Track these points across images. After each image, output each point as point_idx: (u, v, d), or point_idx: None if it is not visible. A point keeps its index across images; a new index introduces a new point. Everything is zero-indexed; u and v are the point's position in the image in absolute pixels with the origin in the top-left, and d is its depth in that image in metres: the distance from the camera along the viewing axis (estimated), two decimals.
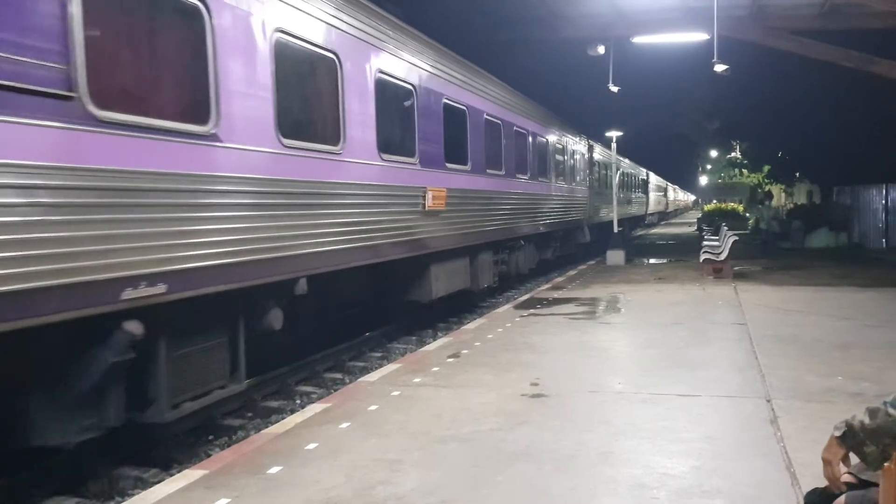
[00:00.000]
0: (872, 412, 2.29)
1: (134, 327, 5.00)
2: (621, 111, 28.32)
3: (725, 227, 23.41)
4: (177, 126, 5.36)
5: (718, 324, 10.25)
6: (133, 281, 4.86)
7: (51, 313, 4.33)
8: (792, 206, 35.28)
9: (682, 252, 23.89)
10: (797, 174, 36.89)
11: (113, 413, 5.16)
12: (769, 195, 39.77)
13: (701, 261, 16.70)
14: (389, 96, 9.11)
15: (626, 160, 34.69)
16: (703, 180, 77.74)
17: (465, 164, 11.79)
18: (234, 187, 5.99)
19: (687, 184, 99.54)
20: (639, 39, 18.06)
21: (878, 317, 10.35)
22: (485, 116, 12.87)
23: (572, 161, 20.88)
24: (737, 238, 17.13)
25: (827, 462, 2.40)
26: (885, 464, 2.27)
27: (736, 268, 16.30)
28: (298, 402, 7.80)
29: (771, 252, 19.76)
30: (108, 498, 5.38)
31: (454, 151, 11.22)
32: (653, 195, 52.14)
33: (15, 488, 5.18)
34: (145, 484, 5.41)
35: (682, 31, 17.26)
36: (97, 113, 4.63)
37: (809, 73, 21.86)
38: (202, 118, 5.69)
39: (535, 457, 4.94)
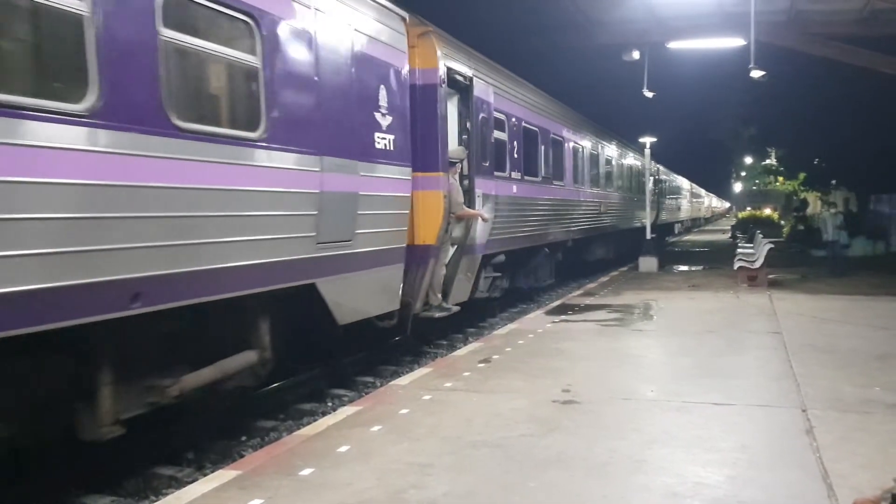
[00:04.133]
0: None
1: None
2: (656, 117, 28.21)
3: (760, 235, 23.09)
4: (529, 178, 13.37)
5: (753, 332, 10.12)
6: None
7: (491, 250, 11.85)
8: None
9: (715, 259, 23.60)
10: (833, 182, 36.28)
11: (507, 284, 13.13)
12: (805, 202, 39.16)
13: (735, 268, 16.51)
14: (609, 162, 20.31)
15: (662, 167, 34.95)
16: (738, 187, 76.89)
17: (612, 187, 22.15)
18: (550, 203, 14.78)
19: (721, 190, 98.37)
20: (675, 45, 17.95)
21: None
22: (615, 159, 22.54)
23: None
24: (772, 246, 16.88)
25: None
26: None
27: (770, 276, 16.09)
28: (330, 404, 7.85)
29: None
30: (142, 496, 5.45)
31: (614, 180, 22.28)
32: (691, 202, 55.47)
33: (52, 486, 5.27)
34: (179, 483, 5.48)
35: (719, 37, 17.12)
36: (493, 172, 11.69)
37: (846, 80, 21.54)
38: (537, 174, 14.01)
39: (566, 464, 4.92)
